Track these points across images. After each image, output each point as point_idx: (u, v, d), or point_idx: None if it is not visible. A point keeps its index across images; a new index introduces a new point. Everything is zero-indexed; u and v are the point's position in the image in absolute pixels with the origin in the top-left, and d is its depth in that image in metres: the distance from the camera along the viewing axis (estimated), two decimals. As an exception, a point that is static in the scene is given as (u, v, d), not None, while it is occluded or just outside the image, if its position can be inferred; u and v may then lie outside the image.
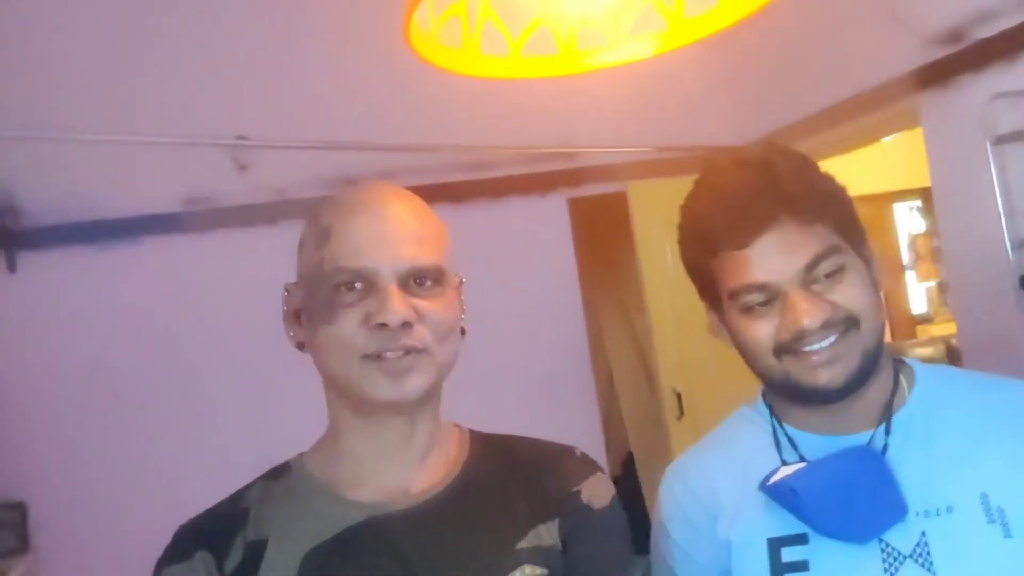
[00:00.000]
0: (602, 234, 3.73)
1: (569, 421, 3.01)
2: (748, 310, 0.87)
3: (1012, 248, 2.35)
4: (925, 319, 6.19)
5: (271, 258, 2.94)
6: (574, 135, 3.35)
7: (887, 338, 4.68)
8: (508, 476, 0.86)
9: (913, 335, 5.90)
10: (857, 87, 2.93)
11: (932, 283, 6.25)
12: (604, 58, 0.92)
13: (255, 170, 2.98)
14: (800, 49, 3.19)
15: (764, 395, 1.00)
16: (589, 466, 0.89)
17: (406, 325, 0.78)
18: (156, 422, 2.81)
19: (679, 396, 3.19)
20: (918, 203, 6.22)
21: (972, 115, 2.40)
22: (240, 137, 2.86)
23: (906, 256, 6.24)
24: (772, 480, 0.88)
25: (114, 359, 2.79)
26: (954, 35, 2.51)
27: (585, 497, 0.85)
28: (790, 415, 0.95)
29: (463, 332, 0.88)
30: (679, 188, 0.92)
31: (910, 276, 6.22)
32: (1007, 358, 2.48)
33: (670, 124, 3.47)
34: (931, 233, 6.12)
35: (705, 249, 0.89)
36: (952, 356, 4.89)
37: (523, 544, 0.81)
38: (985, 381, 0.96)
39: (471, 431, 0.92)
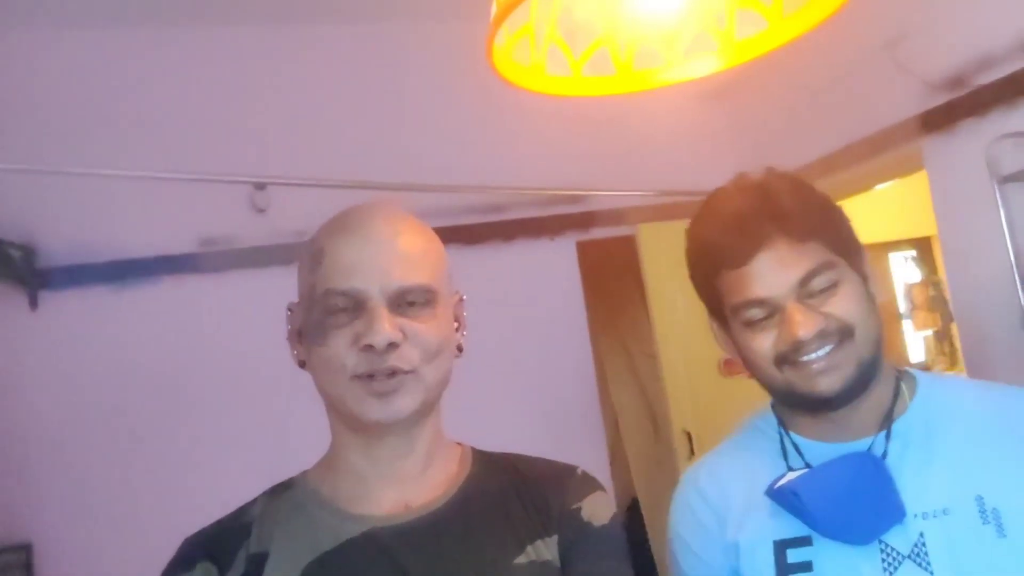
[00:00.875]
0: (609, 277, 3.77)
1: (578, 463, 3.00)
2: (750, 324, 0.93)
3: (1021, 288, 2.39)
4: (924, 367, 6.23)
5: (286, 299, 3.00)
6: (583, 180, 3.42)
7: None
8: (509, 492, 0.86)
9: (913, 383, 5.93)
10: (860, 132, 3.01)
11: (929, 332, 6.30)
12: (658, 78, 0.97)
13: (273, 212, 3.02)
14: (802, 95, 3.28)
15: (773, 405, 1.05)
16: (590, 484, 0.89)
17: (392, 346, 0.79)
18: (168, 463, 2.79)
19: (690, 436, 3.20)
20: (912, 253, 6.33)
21: (976, 157, 2.47)
22: (259, 183, 2.91)
23: (903, 305, 6.32)
24: (777, 485, 0.92)
25: (127, 399, 2.78)
26: (956, 81, 2.60)
27: (585, 514, 0.85)
28: (796, 424, 0.99)
29: (460, 350, 0.89)
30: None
31: (907, 325, 6.29)
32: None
33: (676, 169, 3.54)
34: (927, 283, 6.21)
35: (709, 269, 0.95)
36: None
37: (521, 559, 0.81)
38: (986, 388, 1.02)
39: (473, 449, 0.93)
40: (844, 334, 0.90)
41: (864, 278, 0.94)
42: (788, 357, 0.91)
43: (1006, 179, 2.39)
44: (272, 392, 2.92)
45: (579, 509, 0.86)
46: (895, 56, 2.77)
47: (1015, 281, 2.40)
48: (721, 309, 0.96)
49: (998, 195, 2.41)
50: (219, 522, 0.86)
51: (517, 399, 3.13)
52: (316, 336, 0.82)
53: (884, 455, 0.92)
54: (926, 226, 4.10)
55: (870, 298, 0.94)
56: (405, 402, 0.80)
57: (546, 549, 0.82)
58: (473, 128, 3.19)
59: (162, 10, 2.90)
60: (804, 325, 0.88)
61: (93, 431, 2.73)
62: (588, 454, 3.27)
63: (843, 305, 0.90)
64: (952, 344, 5.84)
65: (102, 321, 2.79)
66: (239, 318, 2.90)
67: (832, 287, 0.90)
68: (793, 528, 0.91)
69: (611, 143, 3.38)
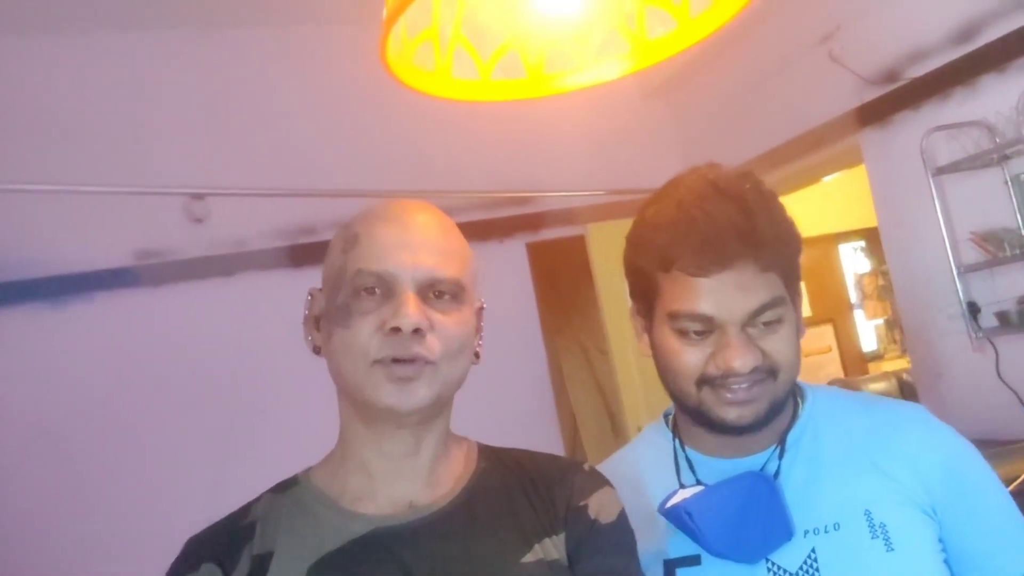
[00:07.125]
0: (561, 278, 3.76)
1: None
2: (683, 334, 0.89)
3: (958, 275, 2.43)
4: (876, 356, 6.34)
5: (229, 310, 2.93)
6: (531, 181, 3.41)
7: (840, 375, 4.69)
8: (515, 489, 0.86)
9: (865, 371, 6.02)
10: (800, 128, 3.04)
11: (880, 321, 6.41)
12: (571, 80, 0.95)
13: (212, 222, 2.95)
14: (743, 93, 3.30)
15: (667, 416, 1.02)
16: (597, 480, 0.88)
17: (418, 332, 0.78)
18: (106, 484, 2.71)
19: (644, 435, 3.20)
20: (862, 243, 6.43)
21: (912, 149, 2.51)
22: (196, 193, 2.84)
23: (853, 295, 6.42)
24: (669, 504, 0.91)
25: (64, 421, 2.69)
26: (889, 75, 2.64)
27: (592, 511, 0.84)
28: (692, 437, 0.97)
29: (478, 357, 0.89)
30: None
31: (858, 315, 6.39)
32: (961, 382, 2.55)
33: (624, 169, 3.55)
34: (876, 272, 6.32)
35: (659, 262, 0.90)
36: (904, 390, 5.00)
37: (528, 558, 0.80)
38: (869, 401, 1.00)
39: (479, 444, 0.92)
40: (769, 373, 0.89)
41: (796, 308, 0.93)
42: (713, 380, 0.88)
43: (940, 170, 2.43)
44: (217, 408, 2.86)
45: (586, 506, 0.85)
46: (830, 50, 2.80)
47: (951, 269, 2.44)
48: (651, 301, 0.92)
49: (932, 186, 2.44)
50: (222, 522, 0.84)
51: (471, 402, 3.08)
52: (341, 318, 0.81)
53: (777, 473, 0.92)
54: (874, 217, 4.17)
55: (798, 331, 0.92)
56: (422, 392, 0.79)
57: (554, 548, 0.82)
58: (417, 131, 3.16)
59: (92, 15, 2.81)
60: (743, 357, 0.86)
61: (25, 456, 2.63)
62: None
63: (779, 346, 0.88)
64: (903, 332, 5.95)
65: (37, 340, 2.70)
66: (179, 331, 2.82)
67: (776, 324, 0.88)
68: (683, 547, 0.91)
69: (558, 143, 3.37)
